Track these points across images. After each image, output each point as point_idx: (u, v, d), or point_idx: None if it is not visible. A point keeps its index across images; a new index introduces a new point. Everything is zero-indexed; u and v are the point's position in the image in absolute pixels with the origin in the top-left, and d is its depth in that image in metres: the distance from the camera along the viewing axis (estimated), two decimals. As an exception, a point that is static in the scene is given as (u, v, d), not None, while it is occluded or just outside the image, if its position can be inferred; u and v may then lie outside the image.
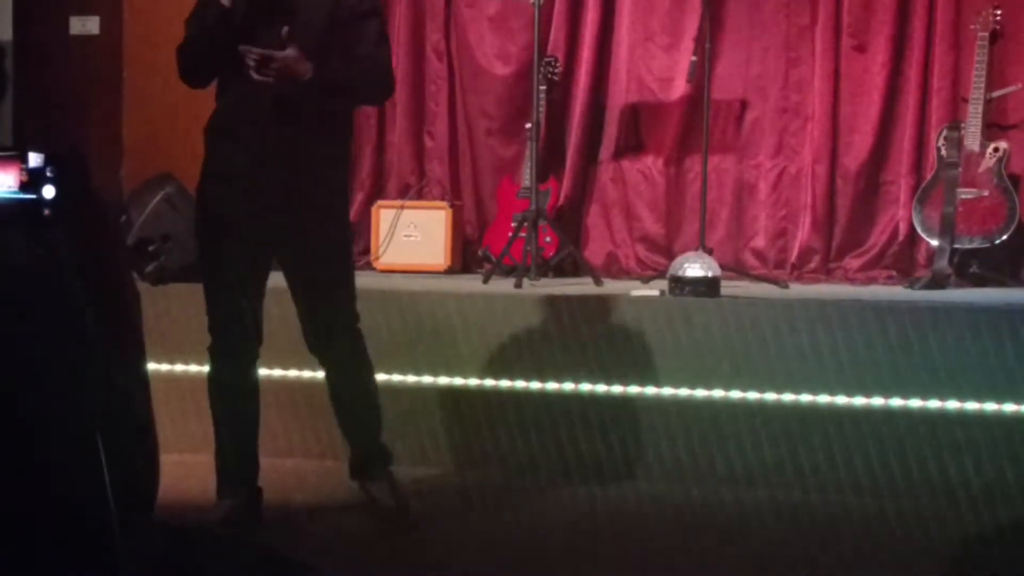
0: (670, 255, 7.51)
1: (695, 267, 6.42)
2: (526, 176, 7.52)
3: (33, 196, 2.32)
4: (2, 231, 1.87)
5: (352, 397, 5.02)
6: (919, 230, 7.24)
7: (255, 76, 4.47)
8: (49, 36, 8.83)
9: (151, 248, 6.71)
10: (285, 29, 4.48)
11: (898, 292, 6.93)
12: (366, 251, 7.97)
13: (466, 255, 7.94)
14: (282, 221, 4.70)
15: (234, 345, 4.82)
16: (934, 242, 7.11)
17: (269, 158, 4.66)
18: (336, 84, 4.64)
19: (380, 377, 5.17)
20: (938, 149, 7.20)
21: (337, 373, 5.00)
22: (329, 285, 4.83)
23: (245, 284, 4.77)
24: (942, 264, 6.98)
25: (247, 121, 4.67)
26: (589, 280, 7.08)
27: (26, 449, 1.77)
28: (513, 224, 7.39)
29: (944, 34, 7.43)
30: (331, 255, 4.82)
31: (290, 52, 4.47)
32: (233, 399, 4.90)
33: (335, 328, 4.87)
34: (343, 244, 4.91)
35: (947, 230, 7.03)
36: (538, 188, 7.30)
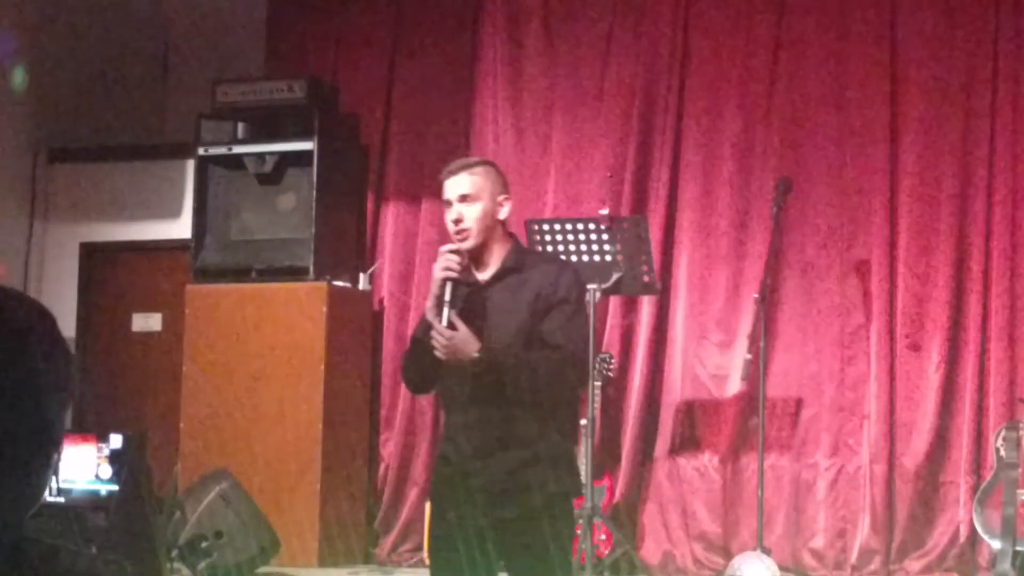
0: (727, 554, 7.41)
1: (753, 568, 6.33)
2: (581, 473, 7.47)
3: (117, 487, 2.32)
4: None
5: None
6: (980, 531, 7.11)
7: (436, 353, 4.60)
8: (112, 332, 9.01)
9: (204, 545, 6.67)
10: (447, 311, 4.60)
11: (962, 595, 6.79)
12: (419, 548, 7.90)
13: (520, 552, 7.83)
14: (501, 541, 4.63)
15: None
16: (996, 544, 6.98)
17: (485, 481, 4.63)
18: (505, 361, 4.63)
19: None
20: (997, 450, 7.13)
21: None
22: None
23: None
24: (1004, 567, 6.84)
25: (466, 449, 4.67)
26: (645, 580, 6.98)
27: None
28: (568, 521, 7.32)
29: (999, 334, 7.44)
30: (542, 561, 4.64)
31: (458, 332, 4.57)
32: None
33: None
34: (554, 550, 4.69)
35: (1008, 532, 6.91)
36: (593, 485, 7.26)
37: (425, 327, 4.72)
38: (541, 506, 4.63)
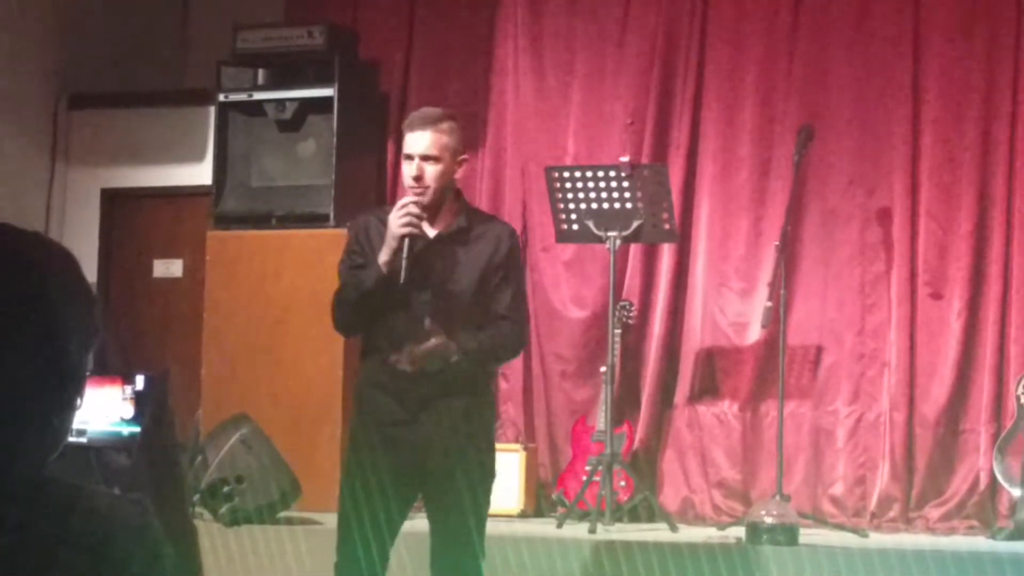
0: (747, 501, 7.43)
1: (773, 515, 6.34)
2: (601, 419, 7.50)
3: (139, 428, 2.34)
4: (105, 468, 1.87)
5: None
6: (1000, 479, 7.11)
7: (408, 369, 4.71)
8: (133, 278, 9.03)
9: (226, 490, 6.71)
10: (427, 321, 4.70)
11: (980, 543, 6.80)
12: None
13: (540, 498, 7.88)
14: (427, 468, 4.77)
15: None
16: (1016, 492, 6.98)
17: (418, 412, 4.77)
18: (477, 354, 4.79)
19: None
20: (1017, 397, 7.13)
21: None
22: (461, 536, 4.78)
23: (377, 525, 4.74)
24: (1024, 515, 6.85)
25: (397, 374, 4.78)
26: (664, 526, 7.00)
27: None
28: (588, 467, 7.35)
29: (1020, 282, 7.42)
30: (468, 506, 4.78)
31: (433, 343, 4.68)
32: None
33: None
34: (481, 497, 4.85)
35: (1029, 479, 6.91)
36: (613, 431, 7.27)
37: (378, 274, 4.74)
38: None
